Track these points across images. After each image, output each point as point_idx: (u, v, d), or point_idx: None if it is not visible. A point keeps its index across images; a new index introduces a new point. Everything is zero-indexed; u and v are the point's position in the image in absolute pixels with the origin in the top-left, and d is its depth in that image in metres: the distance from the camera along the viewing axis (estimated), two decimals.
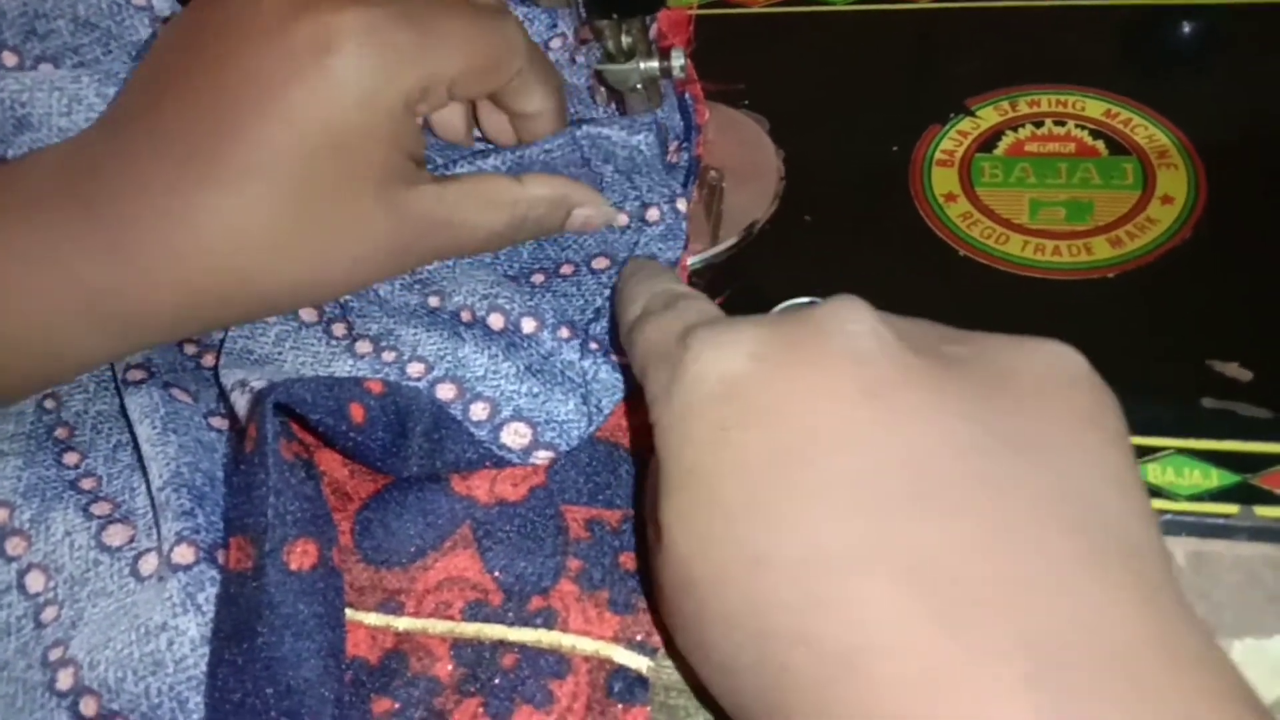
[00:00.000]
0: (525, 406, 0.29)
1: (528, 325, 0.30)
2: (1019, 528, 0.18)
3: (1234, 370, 0.30)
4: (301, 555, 0.25)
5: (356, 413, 0.27)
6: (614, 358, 0.29)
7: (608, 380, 0.29)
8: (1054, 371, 0.21)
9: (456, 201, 0.29)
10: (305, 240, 0.28)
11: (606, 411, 0.29)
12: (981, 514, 0.18)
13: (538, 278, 0.32)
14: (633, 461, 0.28)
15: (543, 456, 0.28)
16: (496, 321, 0.30)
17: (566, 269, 0.32)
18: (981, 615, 0.17)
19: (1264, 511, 0.27)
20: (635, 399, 0.29)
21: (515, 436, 0.28)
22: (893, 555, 0.18)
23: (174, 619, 0.25)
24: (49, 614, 0.27)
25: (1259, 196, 0.34)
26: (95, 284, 0.27)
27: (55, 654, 0.26)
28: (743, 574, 0.19)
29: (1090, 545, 0.18)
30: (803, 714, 0.18)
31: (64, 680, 0.26)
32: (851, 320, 0.21)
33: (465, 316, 0.31)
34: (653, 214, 0.32)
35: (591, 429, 0.29)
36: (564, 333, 0.30)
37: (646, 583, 0.26)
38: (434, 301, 0.31)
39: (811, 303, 0.24)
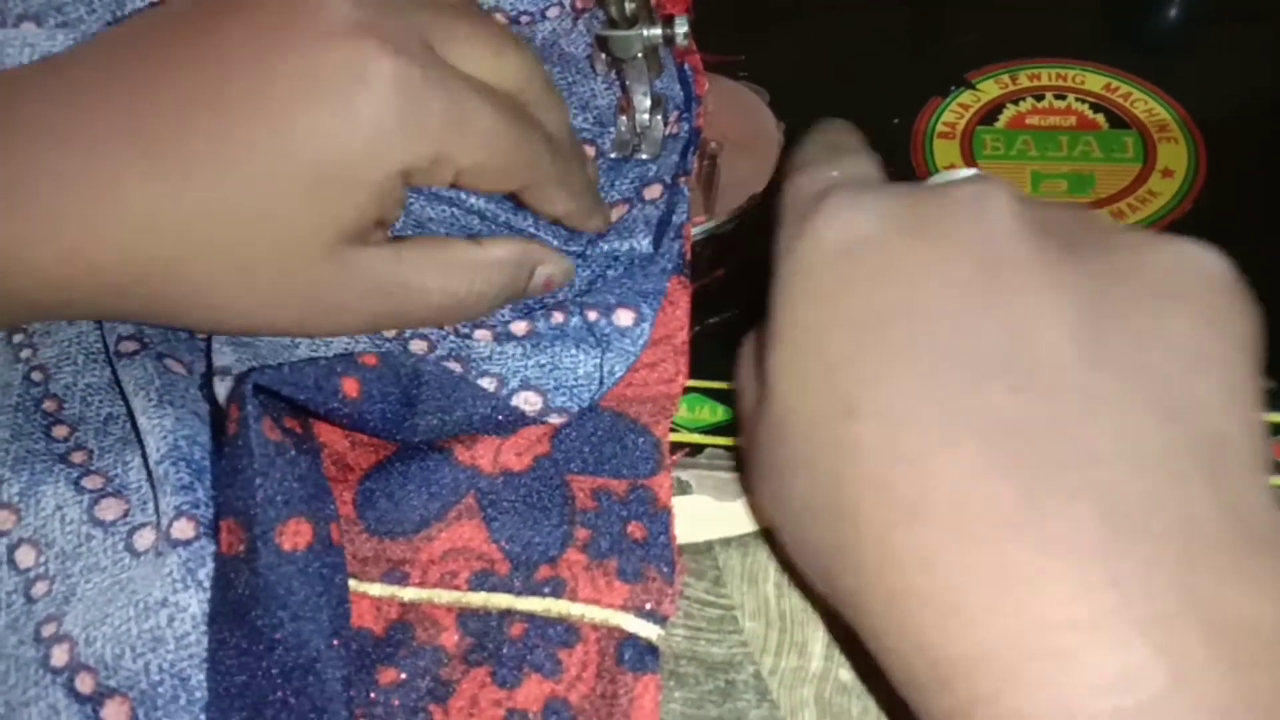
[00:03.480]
0: (533, 377, 0.28)
1: (519, 329, 0.30)
2: (1110, 407, 0.18)
3: None
4: (294, 535, 0.24)
5: (350, 387, 0.26)
6: (618, 320, 0.29)
7: (620, 346, 0.29)
8: (1186, 270, 0.20)
9: (412, 263, 0.27)
10: (230, 261, 0.25)
11: (618, 375, 0.28)
12: (1074, 389, 0.18)
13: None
14: (640, 431, 0.28)
15: (555, 418, 0.28)
16: (484, 336, 0.30)
17: None
18: (1060, 480, 0.18)
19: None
20: (642, 368, 0.29)
21: (526, 404, 0.28)
22: (979, 419, 0.18)
23: (174, 595, 0.25)
24: (40, 589, 0.27)
25: (1259, 170, 0.34)
26: None
27: (48, 630, 0.26)
28: (833, 421, 0.20)
29: (1180, 434, 0.18)
30: (867, 554, 0.19)
31: (58, 657, 0.25)
32: (990, 201, 0.21)
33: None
34: (653, 191, 0.32)
35: (603, 390, 0.28)
36: (557, 318, 0.30)
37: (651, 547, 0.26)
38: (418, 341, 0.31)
39: (972, 175, 0.24)
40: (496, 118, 0.26)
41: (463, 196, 0.32)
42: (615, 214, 0.32)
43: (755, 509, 0.26)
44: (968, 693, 0.17)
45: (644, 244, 0.31)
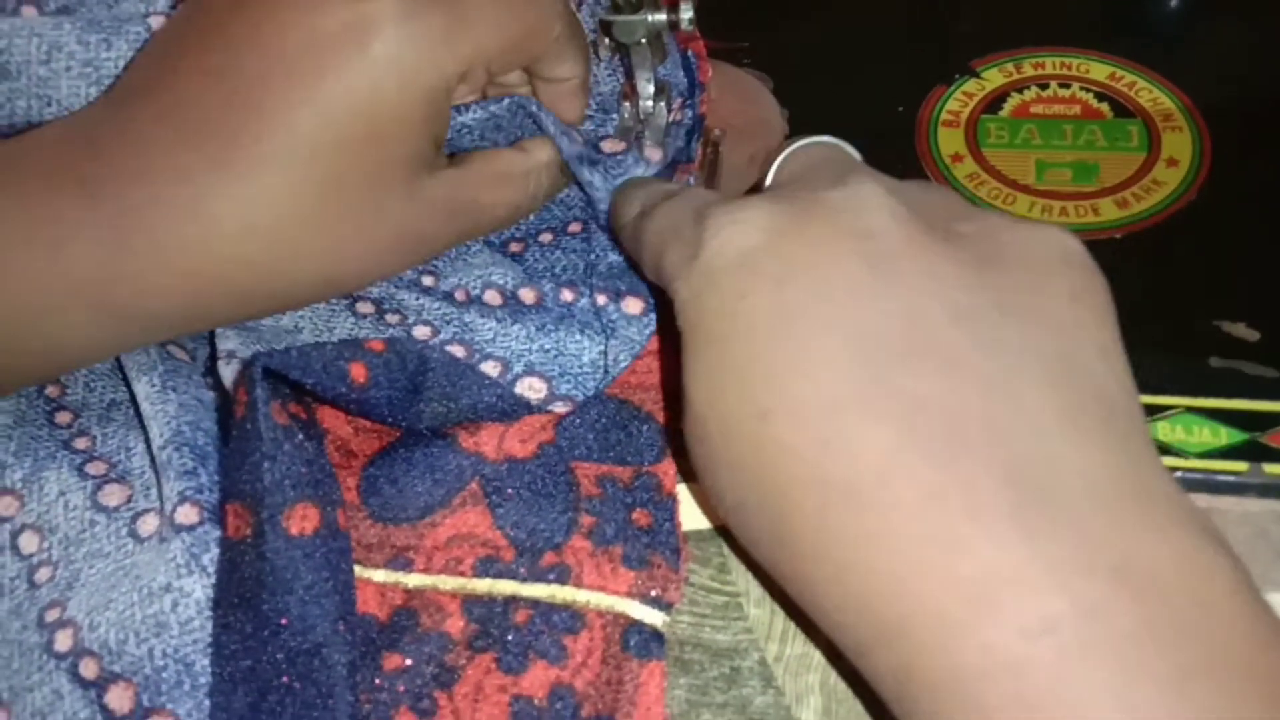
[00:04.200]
0: (537, 362, 0.28)
1: (527, 296, 0.29)
2: (1005, 382, 0.20)
3: (1241, 330, 0.30)
4: (302, 520, 0.24)
5: (358, 372, 0.26)
6: (627, 308, 0.29)
7: (626, 334, 0.29)
8: (1050, 251, 0.22)
9: (477, 183, 0.29)
10: (325, 233, 0.26)
11: (624, 364, 0.28)
12: (971, 369, 0.20)
13: (516, 249, 0.32)
14: (644, 418, 0.28)
15: (560, 407, 0.28)
16: (493, 298, 0.30)
17: (546, 237, 0.32)
18: (970, 453, 0.19)
19: (1272, 469, 0.27)
20: (647, 355, 0.29)
21: (530, 391, 0.28)
22: (888, 400, 0.20)
23: (178, 580, 0.25)
24: (43, 574, 0.27)
25: (1263, 159, 0.34)
26: (95, 273, 0.25)
27: (52, 615, 0.26)
28: (750, 423, 0.21)
29: (1070, 399, 0.20)
30: (805, 540, 0.20)
31: (62, 642, 0.25)
32: (865, 199, 0.22)
33: (460, 296, 0.30)
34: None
35: (608, 379, 0.28)
36: (567, 295, 0.29)
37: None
38: (428, 281, 0.31)
39: (822, 142, 0.26)
40: (501, 2, 0.27)
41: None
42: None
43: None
44: (909, 648, 0.19)
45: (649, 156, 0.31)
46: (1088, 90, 0.36)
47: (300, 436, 0.25)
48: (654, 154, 0.32)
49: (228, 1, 0.26)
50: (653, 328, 0.29)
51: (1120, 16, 0.39)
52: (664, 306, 0.30)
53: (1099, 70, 0.37)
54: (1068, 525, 0.18)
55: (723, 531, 0.27)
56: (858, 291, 0.21)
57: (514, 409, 0.28)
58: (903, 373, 0.20)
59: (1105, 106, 0.36)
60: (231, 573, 0.24)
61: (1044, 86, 0.37)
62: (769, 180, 0.27)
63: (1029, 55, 0.38)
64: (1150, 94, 0.36)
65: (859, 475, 0.19)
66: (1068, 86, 0.37)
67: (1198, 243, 0.32)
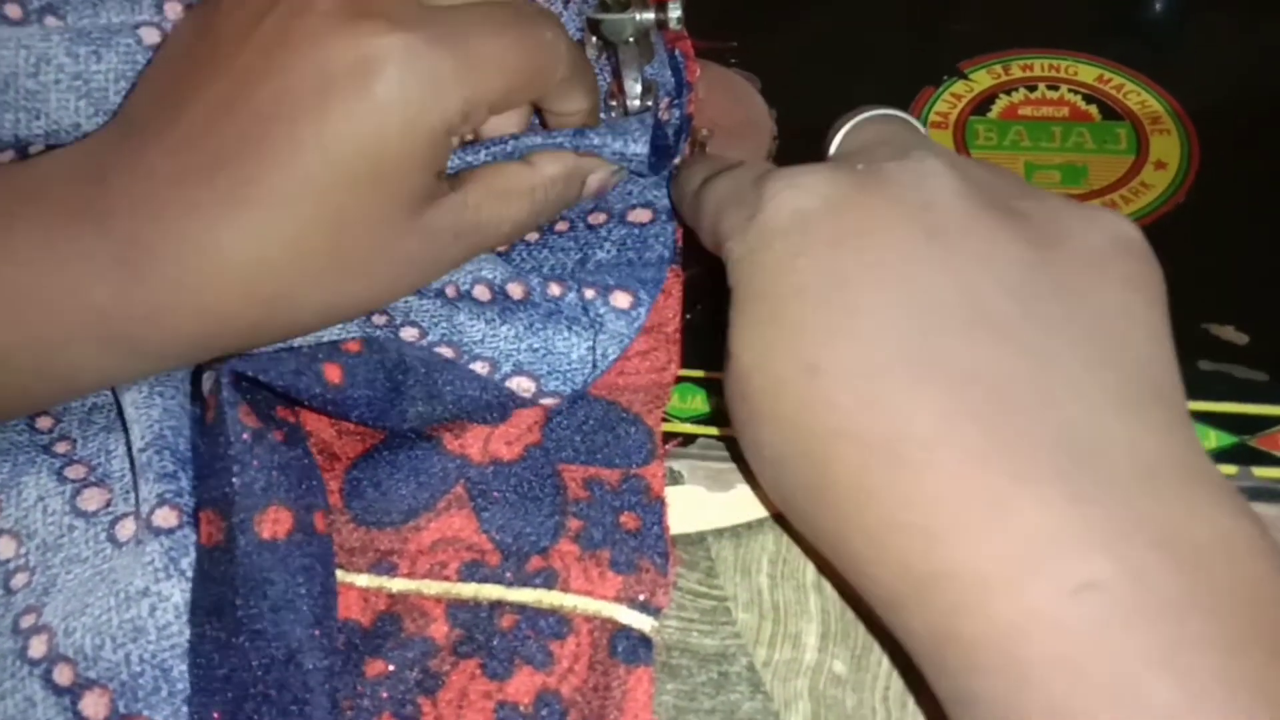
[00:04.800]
0: (526, 361, 0.28)
1: (515, 291, 0.29)
2: (1056, 357, 0.20)
3: (1230, 333, 0.30)
4: (274, 524, 0.24)
5: (332, 373, 0.26)
6: (615, 302, 0.29)
7: (614, 328, 0.28)
8: (1107, 235, 0.23)
9: (479, 204, 0.28)
10: (335, 267, 0.26)
11: (611, 358, 0.28)
12: (1023, 342, 0.20)
13: (502, 248, 0.31)
14: (632, 420, 0.27)
15: (549, 401, 0.28)
16: (482, 293, 0.29)
17: (533, 236, 0.32)
18: (1018, 419, 0.19)
19: (1262, 472, 0.27)
20: (634, 356, 0.29)
21: (518, 389, 0.28)
22: (938, 365, 0.20)
23: (155, 584, 0.24)
24: (19, 580, 0.26)
25: (1252, 162, 0.34)
26: (106, 304, 0.25)
27: (27, 621, 0.25)
28: (797, 381, 0.21)
29: (1119, 379, 0.20)
30: (844, 495, 0.21)
31: (36, 648, 0.25)
32: (927, 172, 0.23)
33: (450, 292, 0.30)
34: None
35: (597, 374, 0.28)
36: (554, 290, 0.29)
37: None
38: None
39: (887, 114, 0.27)
40: (508, 44, 0.27)
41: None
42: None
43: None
44: (946, 605, 0.19)
45: (643, 216, 0.31)
46: (1076, 92, 0.36)
47: (274, 439, 0.25)
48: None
49: (235, 32, 0.26)
50: (641, 321, 0.29)
51: (1108, 19, 0.39)
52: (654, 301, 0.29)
53: (1087, 72, 0.37)
54: (1114, 494, 0.19)
55: (714, 532, 0.27)
56: (913, 259, 0.21)
57: (499, 404, 0.27)
58: (954, 340, 0.20)
59: (1093, 109, 0.36)
60: (206, 579, 0.24)
61: (1032, 88, 0.37)
62: (832, 150, 0.27)
63: (1017, 57, 0.38)
64: (1138, 96, 0.36)
65: (906, 434, 0.20)
66: (1056, 88, 0.36)
67: (1186, 245, 0.32)
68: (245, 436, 0.24)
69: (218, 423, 0.25)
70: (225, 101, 0.25)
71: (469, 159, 0.29)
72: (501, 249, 0.32)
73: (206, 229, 0.25)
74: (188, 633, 0.24)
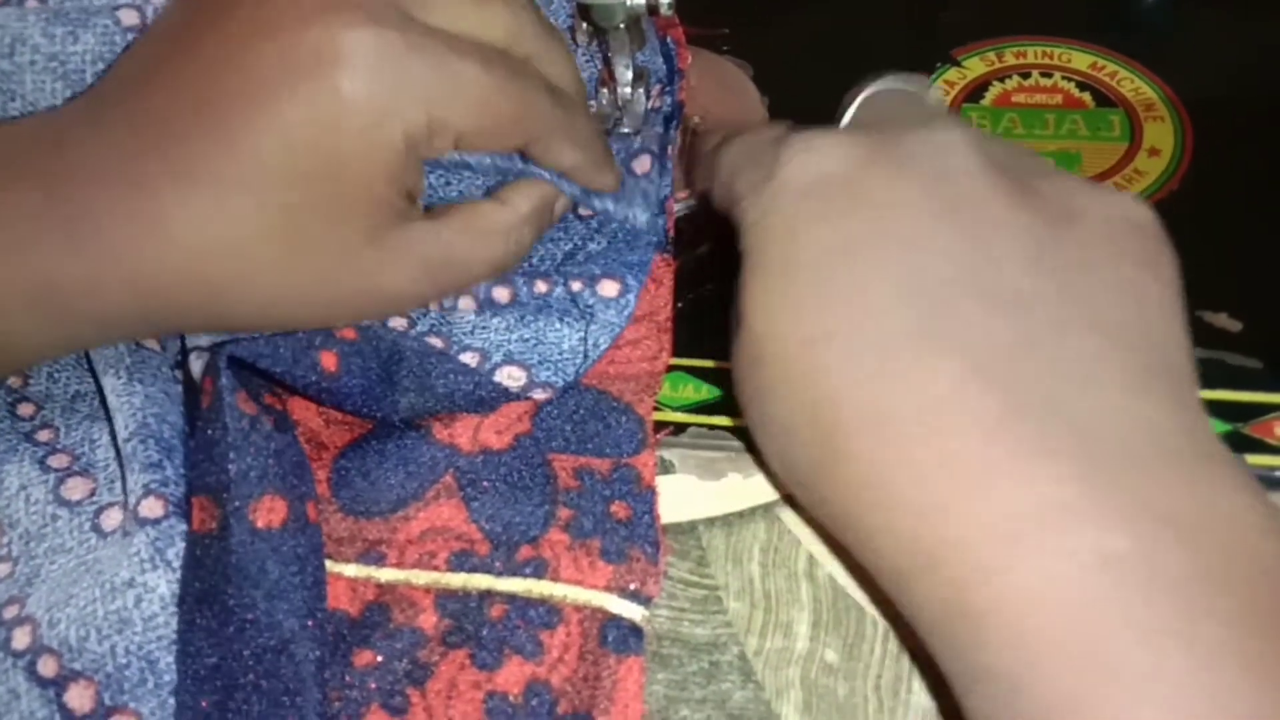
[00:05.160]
0: (516, 351, 0.28)
1: (501, 296, 0.29)
2: (1071, 335, 0.20)
3: (1223, 321, 0.30)
4: (269, 512, 0.24)
5: (328, 360, 0.25)
6: (603, 291, 0.28)
7: (604, 317, 0.28)
8: (1123, 216, 0.23)
9: (453, 240, 0.27)
10: (284, 264, 0.25)
11: (603, 347, 0.28)
12: (1039, 317, 0.20)
13: None
14: (623, 409, 0.27)
15: (540, 394, 0.27)
16: (468, 305, 0.29)
17: None
18: (1033, 393, 0.19)
19: (1255, 460, 0.27)
20: (625, 345, 0.28)
21: (509, 379, 0.27)
22: (954, 338, 0.20)
23: (141, 575, 0.24)
24: (1, 570, 0.26)
25: (1245, 149, 0.34)
26: (47, 269, 0.24)
27: (10, 612, 0.25)
28: (806, 349, 0.21)
29: (1134, 357, 0.20)
30: (853, 466, 0.20)
31: (20, 639, 0.24)
32: (948, 143, 0.22)
33: (434, 307, 0.29)
34: (643, 163, 0.32)
35: (588, 364, 0.28)
36: (541, 287, 0.29)
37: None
38: None
39: (904, 84, 0.27)
40: (486, 76, 0.25)
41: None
42: None
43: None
44: (960, 576, 0.19)
45: (642, 220, 0.31)
46: (1069, 80, 0.36)
47: (269, 427, 0.25)
48: (641, 165, 0.31)
49: (214, 13, 0.25)
50: (631, 308, 0.28)
51: (1102, 6, 0.39)
52: (645, 291, 0.29)
53: (1080, 60, 0.37)
54: (1127, 469, 0.19)
55: (705, 521, 0.27)
56: (929, 232, 0.21)
57: (492, 397, 0.27)
58: (969, 312, 0.20)
59: (1087, 96, 0.36)
60: (197, 567, 0.24)
61: (1026, 76, 0.36)
62: (846, 119, 0.27)
63: (1011, 44, 0.37)
64: (1132, 84, 0.36)
65: (919, 403, 0.20)
66: (1049, 76, 0.36)
67: (1179, 233, 0.31)
68: (243, 424, 0.24)
69: (214, 409, 0.24)
70: (192, 80, 0.25)
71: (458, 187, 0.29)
72: None
73: (151, 202, 0.24)
74: (174, 624, 0.24)
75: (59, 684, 0.23)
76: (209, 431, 0.24)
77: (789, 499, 0.27)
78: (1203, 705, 0.17)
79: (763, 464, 0.27)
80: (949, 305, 0.20)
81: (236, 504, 0.24)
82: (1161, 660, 0.17)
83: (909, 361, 0.20)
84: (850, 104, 0.27)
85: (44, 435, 0.28)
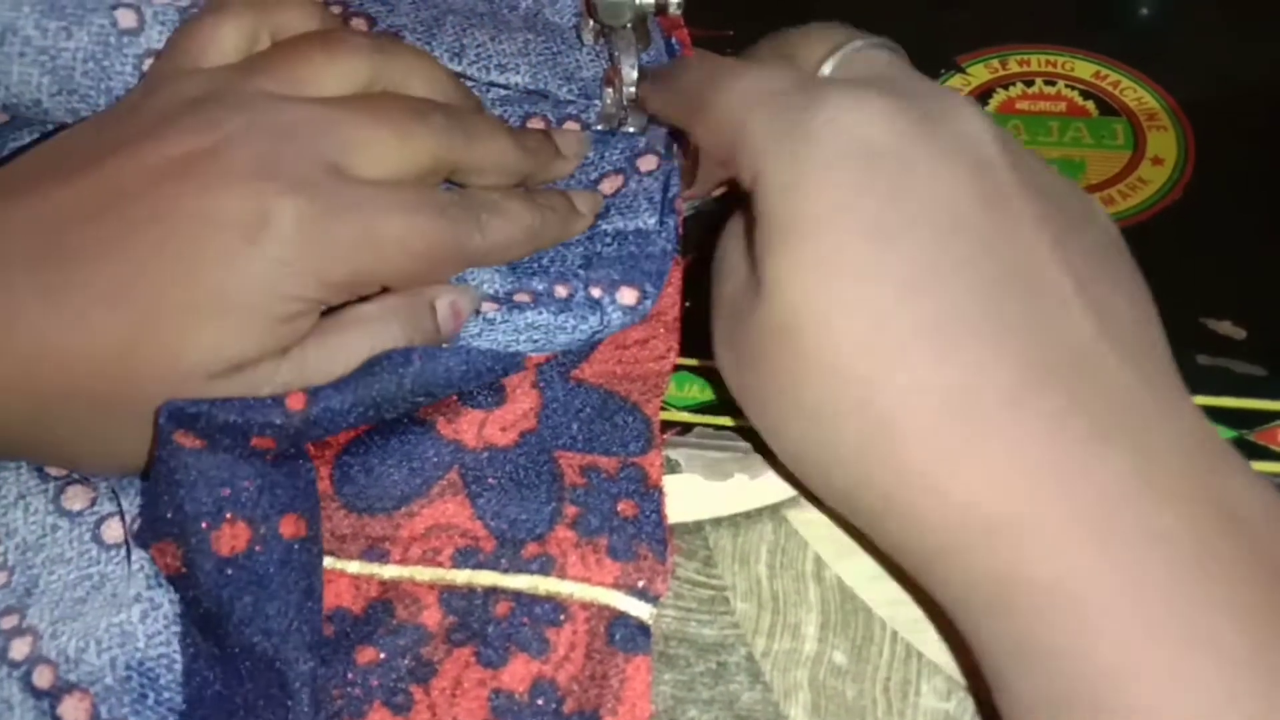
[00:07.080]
0: (527, 349, 0.28)
1: (523, 299, 0.28)
2: (1109, 330, 0.21)
3: (1227, 328, 0.30)
4: (231, 539, 0.23)
5: (294, 401, 0.24)
6: (622, 299, 0.28)
7: (621, 323, 0.28)
8: (1112, 228, 0.24)
9: (303, 366, 0.25)
10: (112, 398, 0.24)
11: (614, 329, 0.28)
12: (1084, 313, 0.21)
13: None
14: (630, 409, 0.27)
15: (540, 356, 0.28)
16: (490, 309, 0.28)
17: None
18: (1090, 385, 0.20)
19: (1260, 466, 0.27)
20: (633, 345, 0.28)
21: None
22: (1014, 329, 0.20)
23: (148, 590, 0.24)
24: None
25: (1248, 157, 0.34)
26: None
27: (9, 622, 0.24)
28: (861, 328, 0.21)
29: (1155, 354, 0.22)
30: (908, 447, 0.20)
31: (18, 649, 0.24)
32: (978, 134, 0.22)
33: None
34: (648, 162, 0.31)
35: (599, 338, 0.28)
36: (561, 291, 0.28)
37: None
38: None
39: (886, 46, 0.27)
40: (409, 222, 0.25)
41: None
42: (610, 185, 0.31)
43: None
44: (1017, 551, 0.19)
45: (650, 222, 0.30)
46: (1073, 88, 0.36)
47: (220, 454, 0.24)
48: (647, 163, 0.31)
49: (148, 139, 0.25)
50: (644, 317, 0.28)
51: (1105, 15, 0.39)
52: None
53: (1084, 68, 0.37)
54: (1170, 455, 0.20)
55: (712, 521, 0.27)
56: (979, 223, 0.21)
57: (490, 368, 0.27)
58: (1024, 303, 0.21)
59: (1091, 104, 0.36)
60: (186, 603, 0.24)
61: (1029, 83, 0.37)
62: (827, 70, 0.26)
63: (1015, 52, 0.37)
64: (1135, 93, 0.36)
65: (988, 390, 0.20)
66: (1053, 84, 0.36)
67: (1183, 241, 0.32)
68: (182, 460, 0.23)
69: (159, 455, 0.23)
70: (101, 203, 0.24)
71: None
72: None
73: (11, 311, 0.23)
74: (176, 643, 0.24)
75: (53, 695, 0.23)
76: (156, 479, 0.23)
77: (797, 498, 0.26)
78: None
79: (772, 461, 0.26)
80: (1005, 298, 0.21)
81: (197, 538, 0.23)
82: (1213, 632, 0.18)
83: (976, 349, 0.20)
84: (827, 61, 0.26)
85: None
